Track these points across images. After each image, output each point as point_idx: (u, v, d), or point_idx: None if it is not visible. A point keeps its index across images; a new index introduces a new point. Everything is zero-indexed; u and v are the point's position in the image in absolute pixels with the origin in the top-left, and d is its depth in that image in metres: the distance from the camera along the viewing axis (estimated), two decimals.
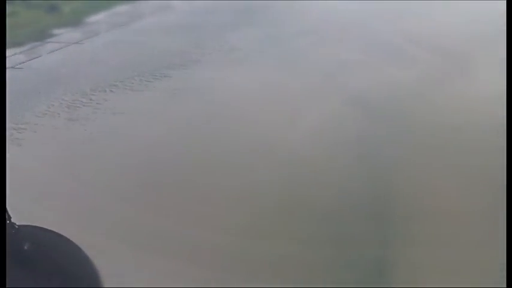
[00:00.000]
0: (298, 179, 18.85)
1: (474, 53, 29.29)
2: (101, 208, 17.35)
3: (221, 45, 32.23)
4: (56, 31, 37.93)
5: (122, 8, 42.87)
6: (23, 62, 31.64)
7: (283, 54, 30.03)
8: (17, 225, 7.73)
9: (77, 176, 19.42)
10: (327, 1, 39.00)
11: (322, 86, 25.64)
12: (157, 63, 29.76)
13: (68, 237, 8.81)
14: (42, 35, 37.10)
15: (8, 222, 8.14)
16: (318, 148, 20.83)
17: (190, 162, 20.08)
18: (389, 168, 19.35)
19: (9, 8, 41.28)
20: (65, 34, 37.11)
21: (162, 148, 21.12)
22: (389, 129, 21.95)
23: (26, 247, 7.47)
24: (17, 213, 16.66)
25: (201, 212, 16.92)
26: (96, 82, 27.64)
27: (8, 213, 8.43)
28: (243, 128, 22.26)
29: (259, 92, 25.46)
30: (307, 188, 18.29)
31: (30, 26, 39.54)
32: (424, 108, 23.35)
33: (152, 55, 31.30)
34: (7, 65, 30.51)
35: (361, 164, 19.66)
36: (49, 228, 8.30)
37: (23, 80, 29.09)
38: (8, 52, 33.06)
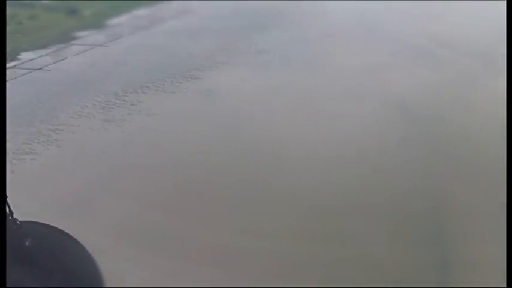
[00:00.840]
0: (339, 180, 18.96)
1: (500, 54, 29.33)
2: (141, 208, 17.47)
3: (247, 47, 32.35)
4: (78, 33, 38.01)
5: (141, 12, 42.98)
6: (50, 64, 31.72)
7: (311, 56, 30.15)
8: (19, 221, 7.78)
9: (117, 177, 19.55)
10: (347, 2, 39.04)
11: (354, 88, 25.73)
12: (185, 65, 29.87)
13: (70, 233, 8.87)
14: (65, 38, 37.19)
15: (10, 218, 8.19)
16: (355, 149, 20.92)
17: (226, 162, 20.19)
18: (431, 167, 19.52)
19: (28, 11, 41.54)
20: (89, 37, 37.18)
21: (199, 149, 21.21)
22: (427, 131, 22.06)
23: (27, 243, 7.53)
24: (57, 213, 16.77)
25: (242, 212, 17.14)
26: (126, 84, 27.75)
27: (10, 210, 8.48)
28: (277, 130, 22.36)
29: (291, 94, 25.58)
30: (350, 188, 18.37)
31: (52, 28, 39.66)
32: (460, 109, 23.46)
33: (179, 57, 31.41)
34: (36, 67, 30.72)
35: (403, 165, 19.80)
36: (50, 224, 8.38)
37: (52, 81, 29.19)
38: (34, 54, 33.30)
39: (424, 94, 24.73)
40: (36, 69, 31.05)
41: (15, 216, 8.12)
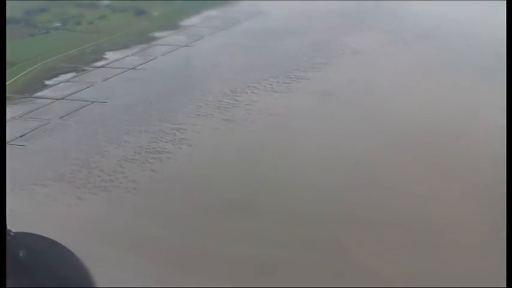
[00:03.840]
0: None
1: None
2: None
3: (342, 48, 31.51)
4: (156, 34, 37.36)
5: (211, 13, 42.28)
6: (142, 64, 31.01)
7: (413, 57, 29.29)
8: (13, 232, 7.29)
9: (266, 176, 18.69)
10: (430, 8, 38.17)
11: (474, 89, 24.81)
12: (284, 66, 29.01)
13: (64, 244, 8.37)
14: (144, 38, 36.49)
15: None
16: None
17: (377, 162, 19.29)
18: None
19: (96, 12, 41.03)
20: (168, 37, 36.47)
21: (336, 150, 20.33)
22: None
23: (21, 254, 7.03)
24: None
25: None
26: (230, 83, 26.95)
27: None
28: (421, 127, 21.46)
29: (411, 94, 24.68)
30: None
31: (125, 28, 39.03)
32: None
33: (273, 57, 30.54)
34: (127, 66, 30.07)
35: None
36: (43, 235, 7.91)
37: (151, 80, 28.46)
38: (119, 54, 32.70)
39: None
40: (129, 69, 30.34)
41: (8, 227, 7.54)
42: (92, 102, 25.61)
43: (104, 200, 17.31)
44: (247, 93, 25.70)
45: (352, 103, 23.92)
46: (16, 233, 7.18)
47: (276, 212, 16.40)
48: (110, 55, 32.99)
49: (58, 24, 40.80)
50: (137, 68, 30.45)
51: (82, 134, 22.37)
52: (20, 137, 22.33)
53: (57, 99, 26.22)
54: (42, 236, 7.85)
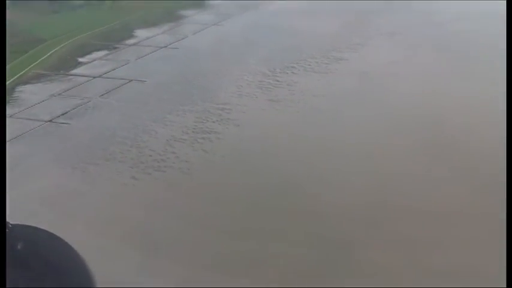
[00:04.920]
0: None
1: None
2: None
3: (377, 30, 31.06)
4: (182, 12, 36.91)
5: None
6: (173, 43, 30.62)
7: (450, 40, 28.86)
8: (11, 224, 7.24)
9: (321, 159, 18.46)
10: None
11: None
12: (320, 46, 28.62)
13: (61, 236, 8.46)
14: (171, 16, 36.10)
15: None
16: None
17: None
18: None
19: None
20: (196, 16, 36.04)
21: (383, 135, 19.96)
22: None
23: (19, 247, 7.01)
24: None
25: None
26: (267, 63, 26.60)
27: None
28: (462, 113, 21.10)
29: (448, 78, 24.32)
30: None
31: (150, 7, 38.53)
32: None
33: (307, 37, 30.15)
34: (159, 45, 29.69)
35: None
36: (41, 228, 7.96)
37: (185, 59, 28.22)
38: (148, 32, 32.29)
39: None
40: (161, 47, 29.97)
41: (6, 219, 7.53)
42: (130, 80, 25.31)
43: (160, 180, 17.11)
44: (287, 73, 25.39)
45: (393, 85, 23.59)
46: (14, 225, 7.12)
47: (329, 199, 16.14)
48: (140, 33, 32.61)
49: (81, 1, 40.23)
50: (169, 46, 30.06)
51: (125, 112, 22.13)
52: (62, 114, 22.07)
53: (94, 77, 25.90)
54: (40, 228, 7.87)
